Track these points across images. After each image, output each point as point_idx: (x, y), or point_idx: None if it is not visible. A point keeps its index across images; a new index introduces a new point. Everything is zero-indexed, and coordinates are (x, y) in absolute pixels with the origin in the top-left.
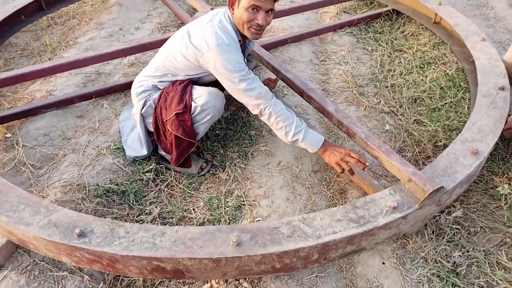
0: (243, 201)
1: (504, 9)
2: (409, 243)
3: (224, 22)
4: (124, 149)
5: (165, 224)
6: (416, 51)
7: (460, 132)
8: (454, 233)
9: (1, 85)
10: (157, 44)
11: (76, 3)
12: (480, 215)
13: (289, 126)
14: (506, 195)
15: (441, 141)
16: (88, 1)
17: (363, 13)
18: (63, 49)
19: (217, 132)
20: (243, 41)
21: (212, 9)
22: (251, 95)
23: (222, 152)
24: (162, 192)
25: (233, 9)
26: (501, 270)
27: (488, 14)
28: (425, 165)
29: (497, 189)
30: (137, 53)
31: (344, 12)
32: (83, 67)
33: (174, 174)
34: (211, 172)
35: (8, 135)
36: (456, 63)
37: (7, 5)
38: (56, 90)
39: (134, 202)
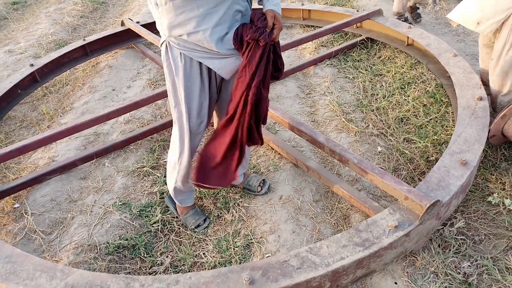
0: (251, 239)
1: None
2: (417, 260)
3: None
4: (129, 204)
5: (178, 272)
6: (395, 73)
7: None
8: (459, 244)
9: (5, 159)
10: (150, 100)
11: (68, 70)
12: (482, 223)
13: None
14: (502, 202)
15: (432, 156)
16: (79, 67)
17: (339, 44)
18: (60, 116)
19: None
20: None
21: None
22: None
23: (224, 193)
24: (171, 241)
25: None
26: (511, 275)
27: (457, 30)
28: (421, 181)
29: (489, 198)
30: (131, 111)
31: (322, 46)
32: (82, 131)
33: (182, 222)
34: (216, 214)
35: (16, 205)
36: (435, 79)
37: (3, 81)
38: (58, 155)
39: (145, 255)
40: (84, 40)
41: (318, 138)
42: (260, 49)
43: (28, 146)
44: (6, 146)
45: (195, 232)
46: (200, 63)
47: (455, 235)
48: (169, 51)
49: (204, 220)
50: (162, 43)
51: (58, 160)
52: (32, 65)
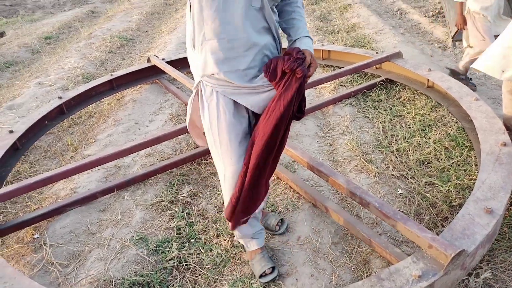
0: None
1: None
2: None
3: None
4: (146, 239)
5: None
6: (415, 115)
7: (472, 190)
8: None
9: (29, 189)
10: (171, 136)
11: (94, 103)
12: (510, 274)
13: None
14: None
15: (455, 201)
16: (105, 101)
17: (359, 84)
18: (84, 147)
19: None
20: None
21: None
22: None
23: None
24: (186, 279)
25: None
26: None
27: (478, 74)
28: (444, 227)
29: None
30: (153, 145)
31: (341, 85)
32: (105, 163)
33: (198, 260)
34: (233, 253)
35: (36, 236)
36: (456, 122)
37: (32, 113)
38: (79, 187)
39: None
40: (111, 75)
41: (338, 179)
42: (297, 81)
43: (52, 178)
44: (30, 175)
45: (254, 280)
46: (234, 100)
47: (481, 286)
48: (202, 91)
49: (272, 270)
50: (196, 85)
51: (79, 192)
52: (60, 97)
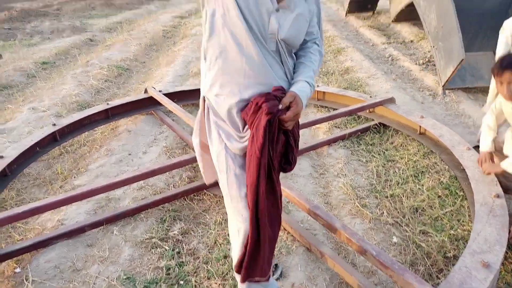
0: None
1: (481, 117)
2: None
3: None
4: (133, 279)
5: None
6: (408, 160)
7: (467, 241)
8: None
9: (15, 220)
10: (167, 169)
11: (87, 132)
12: None
13: None
14: None
15: (450, 252)
16: (98, 130)
17: (353, 127)
18: (74, 176)
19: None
20: None
21: None
22: None
23: (232, 274)
24: None
25: None
26: None
27: (468, 123)
28: (440, 279)
29: None
30: (147, 178)
31: (336, 127)
32: (96, 195)
33: None
34: None
35: (18, 270)
36: (448, 170)
37: (24, 139)
38: (67, 219)
39: None
40: (107, 104)
41: (334, 224)
42: (264, 119)
43: (40, 208)
44: (16, 204)
45: None
46: None
47: None
48: (209, 112)
49: None
50: (202, 101)
51: (66, 224)
52: (54, 124)
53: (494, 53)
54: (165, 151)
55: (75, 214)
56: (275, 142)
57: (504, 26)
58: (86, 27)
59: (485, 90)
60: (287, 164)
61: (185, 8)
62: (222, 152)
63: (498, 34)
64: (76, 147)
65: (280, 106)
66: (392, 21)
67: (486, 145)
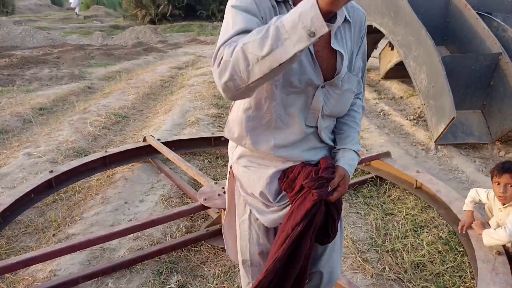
0: None
1: (474, 172)
2: None
3: None
4: None
5: None
6: (406, 214)
7: None
8: None
9: (5, 271)
10: (166, 220)
11: (83, 179)
12: None
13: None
14: None
15: None
16: (94, 177)
17: (350, 180)
18: (68, 225)
19: None
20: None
21: (216, 183)
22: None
23: None
24: None
25: None
26: None
27: (461, 178)
28: None
29: None
30: (146, 229)
31: None
32: (93, 246)
33: None
34: None
35: None
36: (447, 225)
37: (19, 185)
38: (60, 269)
39: None
40: (106, 151)
41: (340, 279)
42: (310, 202)
43: (34, 259)
44: (6, 253)
45: None
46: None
47: None
48: (237, 177)
49: None
50: (228, 167)
51: (59, 275)
52: (51, 171)
53: (483, 112)
54: (162, 200)
55: (69, 265)
56: (314, 225)
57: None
58: (85, 75)
59: (476, 146)
60: (326, 236)
61: (182, 59)
62: (247, 220)
63: (486, 94)
64: (71, 194)
65: (329, 189)
66: (382, 78)
67: (467, 205)
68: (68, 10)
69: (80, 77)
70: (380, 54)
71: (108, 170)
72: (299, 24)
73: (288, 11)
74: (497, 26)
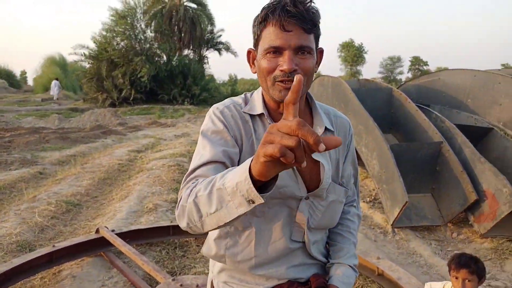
0: None
1: (431, 256)
2: None
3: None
4: None
5: None
6: None
7: None
8: None
9: None
10: None
11: (25, 278)
12: None
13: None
14: None
15: None
16: (38, 275)
17: None
18: None
19: None
20: (273, 114)
21: (173, 279)
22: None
23: None
24: None
25: (254, 66)
26: None
27: (420, 262)
28: None
29: None
30: None
31: None
32: None
33: None
34: None
35: None
36: None
37: None
38: None
39: None
40: (53, 246)
41: None
42: None
43: None
44: None
45: None
46: None
47: None
48: None
49: None
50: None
51: None
52: None
53: (433, 196)
54: None
55: None
56: None
57: None
58: (37, 159)
59: (430, 229)
60: None
61: (142, 142)
62: None
63: (433, 178)
64: None
65: None
66: None
67: None
68: (26, 93)
69: (32, 162)
70: None
71: (54, 267)
72: (238, 192)
73: (264, 125)
74: (435, 117)
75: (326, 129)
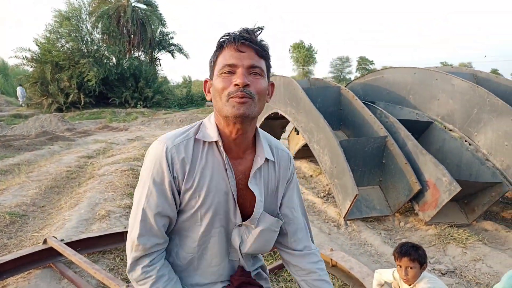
0: None
1: (381, 245)
2: None
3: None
4: None
5: None
6: None
7: None
8: None
9: None
10: None
11: None
12: None
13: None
14: None
15: None
16: None
17: (270, 264)
18: None
19: None
20: (229, 141)
21: (128, 286)
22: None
23: None
24: None
25: (209, 93)
26: None
27: (371, 251)
28: None
29: None
30: None
31: None
32: None
33: None
34: None
35: None
36: None
37: None
38: None
39: None
40: None
41: None
42: None
43: None
44: None
45: None
46: None
47: None
48: None
49: None
50: None
51: None
52: None
53: (381, 188)
54: None
55: None
56: None
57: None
58: None
59: (379, 219)
60: None
61: (92, 147)
62: None
63: (380, 171)
64: None
65: None
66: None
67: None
68: None
69: None
70: (288, 136)
71: None
72: None
73: (219, 150)
74: (380, 113)
75: (266, 159)
